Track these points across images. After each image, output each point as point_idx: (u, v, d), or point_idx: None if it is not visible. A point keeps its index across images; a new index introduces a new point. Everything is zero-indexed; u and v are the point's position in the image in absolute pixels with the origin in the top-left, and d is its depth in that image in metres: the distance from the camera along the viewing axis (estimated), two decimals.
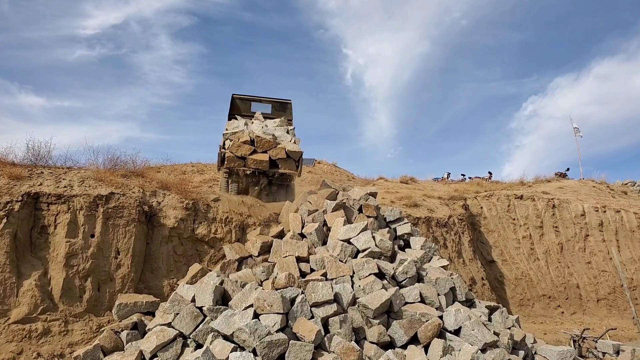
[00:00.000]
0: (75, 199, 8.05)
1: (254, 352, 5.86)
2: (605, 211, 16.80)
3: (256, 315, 6.35)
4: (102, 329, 7.00)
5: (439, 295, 7.72)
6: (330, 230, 8.96)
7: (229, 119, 11.94)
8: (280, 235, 9.36)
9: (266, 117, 12.23)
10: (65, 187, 8.31)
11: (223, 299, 7.09)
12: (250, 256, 8.88)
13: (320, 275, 7.50)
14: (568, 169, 22.50)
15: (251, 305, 6.51)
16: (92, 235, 7.97)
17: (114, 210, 8.30)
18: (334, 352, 6.28)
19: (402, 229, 9.60)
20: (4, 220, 7.30)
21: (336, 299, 6.84)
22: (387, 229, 9.31)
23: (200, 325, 6.48)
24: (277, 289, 6.92)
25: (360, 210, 9.59)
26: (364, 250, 8.12)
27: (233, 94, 12.26)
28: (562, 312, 14.18)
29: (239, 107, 12.17)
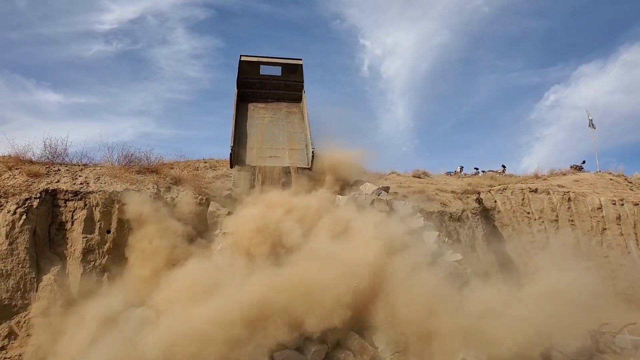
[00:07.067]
0: (91, 196, 8.19)
1: None
2: (622, 204, 16.39)
3: None
4: None
5: None
6: None
7: (238, 84, 11.46)
8: None
9: (275, 80, 11.86)
10: (81, 184, 8.46)
11: None
12: None
13: None
14: (584, 162, 21.90)
15: None
16: (108, 231, 8.10)
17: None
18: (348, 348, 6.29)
19: (415, 223, 9.52)
20: (24, 217, 7.47)
21: None
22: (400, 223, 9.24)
23: None
24: None
25: (372, 204, 9.53)
26: None
27: (241, 55, 11.48)
28: None
29: (247, 71, 11.63)
